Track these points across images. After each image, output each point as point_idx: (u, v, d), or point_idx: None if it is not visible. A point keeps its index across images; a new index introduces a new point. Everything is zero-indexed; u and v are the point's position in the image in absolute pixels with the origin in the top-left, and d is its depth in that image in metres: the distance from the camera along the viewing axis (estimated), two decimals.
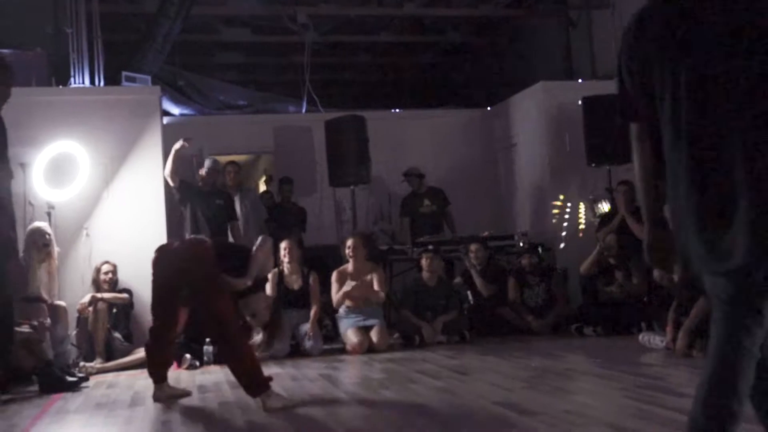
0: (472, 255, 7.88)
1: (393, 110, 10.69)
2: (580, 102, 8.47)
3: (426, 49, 12.38)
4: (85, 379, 5.87)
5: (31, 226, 6.61)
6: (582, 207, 8.79)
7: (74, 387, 5.61)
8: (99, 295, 6.79)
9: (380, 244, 8.37)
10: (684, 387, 4.43)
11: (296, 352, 6.82)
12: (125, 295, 7.03)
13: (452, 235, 8.58)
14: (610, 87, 9.24)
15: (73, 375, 5.81)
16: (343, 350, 6.90)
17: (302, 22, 9.97)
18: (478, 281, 7.66)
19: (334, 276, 7.16)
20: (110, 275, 7.08)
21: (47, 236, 6.53)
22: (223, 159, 8.39)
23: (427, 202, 8.88)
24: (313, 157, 9.48)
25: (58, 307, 6.50)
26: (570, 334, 7.15)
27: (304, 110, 10.21)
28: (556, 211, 8.75)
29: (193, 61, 10.99)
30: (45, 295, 6.44)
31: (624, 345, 6.30)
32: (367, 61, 12.62)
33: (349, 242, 7.18)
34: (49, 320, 6.11)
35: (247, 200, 8.05)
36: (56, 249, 6.75)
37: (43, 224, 6.66)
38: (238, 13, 10.19)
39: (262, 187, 11.02)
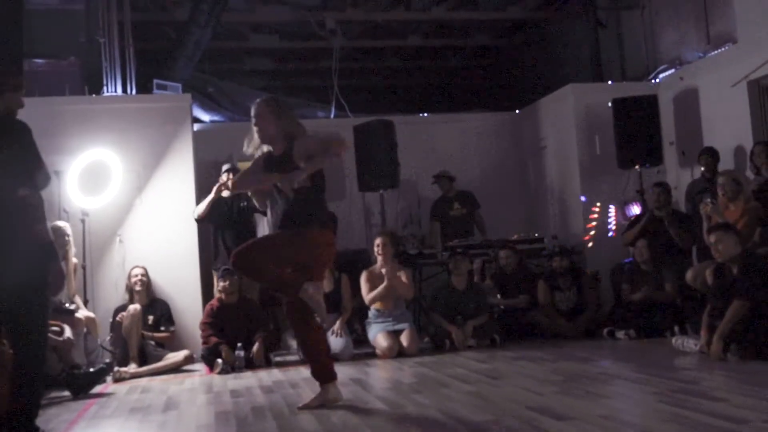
0: (503, 261, 7.86)
1: (421, 114, 10.70)
2: (609, 104, 8.42)
3: (454, 52, 12.37)
4: (110, 365, 6.11)
5: (51, 225, 6.71)
6: (612, 209, 8.72)
7: (100, 377, 5.79)
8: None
9: (410, 249, 8.37)
10: (719, 391, 4.38)
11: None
12: (166, 334, 7.16)
13: (482, 239, 8.56)
14: (640, 88, 9.26)
15: (95, 366, 5.98)
16: (373, 355, 6.91)
17: (330, 28, 10.02)
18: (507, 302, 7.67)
19: (363, 276, 7.19)
20: (141, 278, 7.17)
21: (66, 237, 6.63)
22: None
23: (457, 205, 8.88)
24: (342, 162, 9.51)
25: (88, 318, 6.60)
26: (602, 337, 7.09)
27: (332, 115, 10.25)
28: (592, 216, 8.70)
29: (223, 68, 11.10)
30: (68, 304, 6.53)
31: (657, 349, 6.23)
32: (395, 65, 12.64)
33: (378, 240, 7.21)
34: (69, 334, 6.04)
35: (276, 204, 8.08)
36: (73, 249, 6.85)
37: (63, 223, 6.74)
38: (267, 20, 10.26)
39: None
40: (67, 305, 6.52)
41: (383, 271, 7.08)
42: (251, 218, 7.60)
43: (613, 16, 10.03)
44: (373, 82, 13.12)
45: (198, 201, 7.75)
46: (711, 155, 7.59)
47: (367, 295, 7.12)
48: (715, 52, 8.09)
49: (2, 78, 4.02)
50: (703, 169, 7.67)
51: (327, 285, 7.04)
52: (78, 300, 6.85)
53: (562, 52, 10.89)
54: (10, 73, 4.14)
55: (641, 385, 4.65)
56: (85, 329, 6.43)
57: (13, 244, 3.71)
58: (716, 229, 5.69)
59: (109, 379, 6.28)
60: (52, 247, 4.00)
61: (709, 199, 6.48)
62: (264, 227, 7.88)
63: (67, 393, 5.73)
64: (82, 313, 6.62)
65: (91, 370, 5.82)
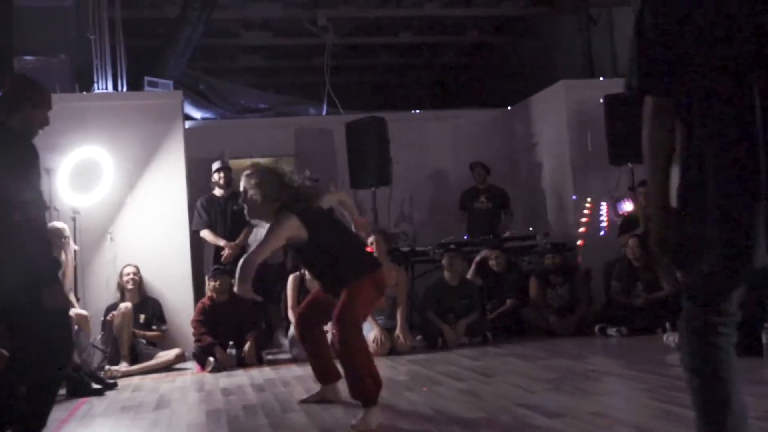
0: (492, 263, 7.87)
1: (413, 111, 10.69)
2: (601, 100, 8.42)
3: (446, 49, 12.36)
4: (113, 385, 5.92)
5: (49, 225, 6.68)
6: (604, 206, 8.73)
7: (100, 393, 5.67)
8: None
9: (402, 246, 8.37)
10: None
11: None
12: (158, 333, 7.15)
13: (471, 237, 8.57)
14: None
15: (100, 381, 5.87)
16: None
17: (322, 25, 9.98)
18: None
19: None
20: (132, 276, 7.15)
21: (64, 238, 6.59)
22: (245, 162, 8.42)
23: (483, 198, 8.94)
24: (334, 159, 9.49)
25: (80, 315, 6.57)
26: (593, 334, 7.11)
27: (324, 112, 10.23)
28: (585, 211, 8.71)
29: (214, 65, 11.06)
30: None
31: (648, 345, 6.26)
32: (387, 62, 12.62)
33: (370, 239, 7.19)
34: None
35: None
36: (73, 247, 6.81)
37: (60, 224, 6.70)
38: (259, 17, 10.24)
39: None
40: None
41: None
42: (242, 225, 7.59)
43: (605, 13, 10.03)
44: (365, 79, 13.10)
45: (190, 199, 7.74)
46: None
47: None
48: None
49: (20, 90, 3.80)
50: None
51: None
52: (71, 297, 6.83)
53: (554, 48, 10.89)
54: (29, 85, 3.89)
55: (633, 381, 4.67)
56: (76, 327, 6.39)
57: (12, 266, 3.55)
58: None
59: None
60: (48, 269, 3.76)
61: None
62: (256, 236, 7.88)
63: (60, 392, 5.70)
64: (74, 311, 6.58)
65: (95, 386, 5.75)
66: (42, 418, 3.59)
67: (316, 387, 5.22)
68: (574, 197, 8.79)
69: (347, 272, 4.22)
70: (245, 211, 4.40)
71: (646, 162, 2.18)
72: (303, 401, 4.72)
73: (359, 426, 3.97)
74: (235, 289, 4.13)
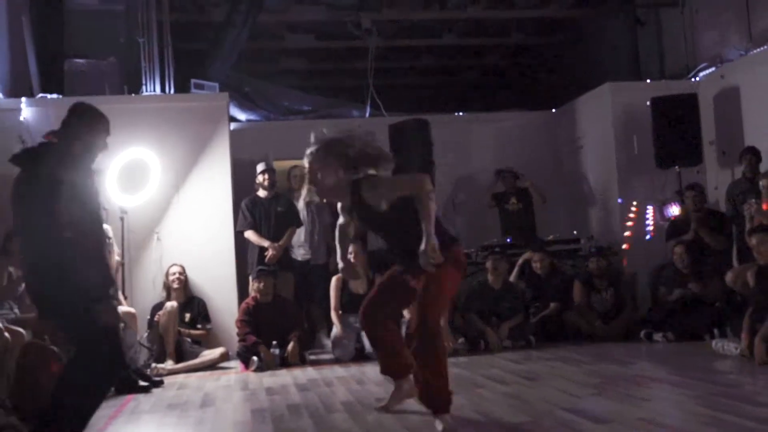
0: (535, 265, 7.81)
1: (457, 113, 10.66)
2: (648, 103, 8.31)
3: (490, 51, 12.29)
4: (160, 383, 6.00)
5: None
6: (650, 210, 8.61)
7: (147, 391, 5.75)
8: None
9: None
10: (762, 396, 4.31)
11: (361, 356, 6.86)
12: (202, 332, 7.24)
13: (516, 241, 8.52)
14: (679, 87, 9.12)
15: (146, 378, 5.96)
16: None
17: (366, 27, 10.02)
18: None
19: None
20: (179, 276, 7.25)
21: (108, 239, 6.69)
22: (288, 164, 8.49)
23: (513, 200, 8.92)
24: None
25: (127, 313, 6.67)
26: (639, 340, 7.00)
27: (368, 114, 10.25)
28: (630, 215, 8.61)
29: (259, 67, 11.15)
30: None
31: (696, 351, 6.14)
32: (430, 64, 12.60)
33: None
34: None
35: (312, 205, 8.13)
36: (117, 249, 6.93)
37: (105, 226, 6.80)
38: (303, 20, 10.30)
39: None
40: None
41: None
42: (286, 226, 7.65)
43: (652, 14, 9.89)
44: (408, 81, 13.09)
45: (235, 200, 7.82)
46: (754, 154, 7.44)
47: None
48: (758, 50, 7.93)
49: (80, 118, 3.83)
50: (744, 169, 7.52)
51: (361, 287, 7.03)
52: (119, 295, 6.95)
53: (600, 50, 10.76)
54: (89, 113, 3.89)
55: (680, 388, 4.58)
56: (123, 325, 6.50)
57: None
58: (758, 231, 5.59)
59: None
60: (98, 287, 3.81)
61: (753, 200, 6.35)
62: (300, 237, 7.94)
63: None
64: (121, 308, 6.69)
65: (141, 383, 5.84)
66: (84, 420, 3.66)
67: (357, 388, 5.25)
68: (620, 200, 8.68)
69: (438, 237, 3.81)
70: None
71: None
72: (381, 408, 4.37)
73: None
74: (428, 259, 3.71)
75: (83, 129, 3.82)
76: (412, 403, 4.50)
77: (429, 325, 3.88)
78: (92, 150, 3.87)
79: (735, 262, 7.24)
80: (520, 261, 7.95)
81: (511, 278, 7.72)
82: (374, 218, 4.08)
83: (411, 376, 4.22)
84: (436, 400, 3.90)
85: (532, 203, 8.96)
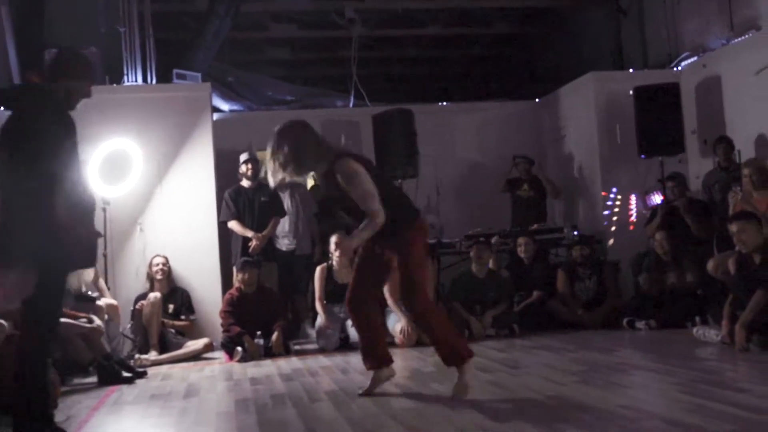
0: (520, 248, 7.85)
1: (441, 103, 10.66)
2: (631, 92, 8.34)
3: (474, 41, 12.30)
4: (143, 374, 5.97)
5: None
6: (633, 199, 8.66)
7: (130, 382, 5.73)
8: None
9: (429, 238, 8.36)
10: (741, 382, 4.35)
11: (345, 345, 6.87)
12: (186, 323, 7.23)
13: (502, 229, 8.54)
14: (662, 76, 9.14)
15: (130, 369, 5.93)
16: (392, 343, 6.91)
17: (349, 17, 9.99)
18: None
19: None
20: (162, 266, 7.23)
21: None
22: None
23: (526, 186, 8.94)
24: (360, 151, 9.49)
25: (110, 305, 6.65)
26: (621, 327, 7.06)
27: (351, 104, 10.23)
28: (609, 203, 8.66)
29: (242, 57, 11.12)
30: (90, 292, 6.58)
31: (677, 339, 6.19)
32: (414, 54, 12.60)
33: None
34: (98, 322, 6.10)
35: (296, 194, 8.12)
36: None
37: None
38: (286, 10, 10.26)
39: (311, 182, 11.06)
40: (89, 293, 6.58)
41: None
42: (270, 216, 7.62)
43: (635, 3, 9.92)
44: (392, 71, 13.08)
45: (218, 190, 7.79)
46: (728, 143, 7.49)
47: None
48: (739, 39, 7.98)
49: (66, 60, 3.87)
50: (718, 158, 7.57)
51: (346, 276, 7.00)
52: (102, 284, 6.93)
53: (583, 39, 10.80)
54: (74, 56, 3.93)
55: (662, 375, 4.62)
56: (106, 316, 6.48)
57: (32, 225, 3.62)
58: (738, 218, 5.62)
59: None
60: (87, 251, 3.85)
61: (738, 188, 6.40)
62: (284, 228, 7.92)
63: (92, 379, 5.80)
64: (105, 300, 6.68)
65: (125, 374, 5.79)
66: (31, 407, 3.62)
67: (341, 378, 5.25)
68: (603, 191, 8.72)
69: (401, 214, 4.24)
70: (287, 172, 4.26)
71: None
72: (363, 394, 4.45)
73: (457, 391, 4.18)
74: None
75: (67, 72, 3.78)
76: (396, 391, 4.53)
77: (417, 308, 4.27)
78: (75, 94, 3.83)
79: (715, 251, 7.31)
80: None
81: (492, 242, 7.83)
82: (342, 195, 4.29)
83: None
84: (453, 356, 4.27)
85: (545, 192, 8.98)
